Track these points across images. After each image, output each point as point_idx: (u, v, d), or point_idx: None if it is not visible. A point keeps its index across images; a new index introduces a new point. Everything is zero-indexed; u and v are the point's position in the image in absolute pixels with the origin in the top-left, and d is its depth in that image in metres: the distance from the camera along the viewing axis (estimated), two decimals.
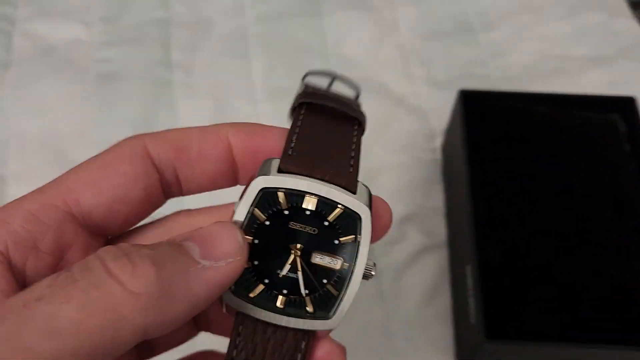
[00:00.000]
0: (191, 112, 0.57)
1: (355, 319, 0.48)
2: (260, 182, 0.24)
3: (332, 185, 0.24)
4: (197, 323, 0.29)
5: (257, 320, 0.25)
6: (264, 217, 0.24)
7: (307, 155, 0.25)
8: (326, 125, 0.26)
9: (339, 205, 0.24)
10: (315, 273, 0.25)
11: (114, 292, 0.19)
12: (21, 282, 0.24)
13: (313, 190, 0.24)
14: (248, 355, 0.24)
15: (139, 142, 0.26)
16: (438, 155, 0.55)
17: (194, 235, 0.23)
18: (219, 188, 0.28)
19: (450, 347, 0.47)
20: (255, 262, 0.24)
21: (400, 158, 0.54)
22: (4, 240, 0.23)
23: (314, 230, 0.25)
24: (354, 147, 0.26)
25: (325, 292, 0.25)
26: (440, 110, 0.56)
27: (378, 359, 0.46)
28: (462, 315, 0.44)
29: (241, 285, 0.24)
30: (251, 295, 0.24)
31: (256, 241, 0.24)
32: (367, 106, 0.56)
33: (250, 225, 0.24)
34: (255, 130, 0.27)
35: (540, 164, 0.45)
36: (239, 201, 0.25)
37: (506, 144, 0.46)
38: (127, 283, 0.20)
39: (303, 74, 0.29)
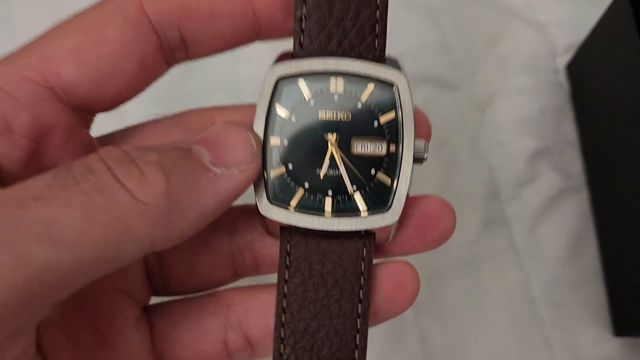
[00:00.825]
0: None
1: (488, 281, 0.38)
2: (275, 72, 0.22)
3: (356, 59, 0.22)
4: (236, 263, 0.25)
5: (306, 232, 0.22)
6: (287, 112, 0.22)
7: (322, 31, 0.22)
8: None
9: (371, 80, 0.22)
10: (359, 164, 0.22)
11: (121, 200, 0.18)
12: None
13: (337, 68, 0.22)
14: (304, 277, 0.22)
15: (131, 0, 0.21)
16: (562, 77, 0.44)
17: (203, 138, 0.21)
18: (235, 47, 0.24)
19: (606, 314, 0.38)
20: (290, 166, 0.22)
21: (520, 80, 0.43)
22: None
23: (347, 116, 0.22)
24: (379, 11, 0.22)
25: (377, 183, 0.22)
26: (561, 23, 0.45)
27: (521, 332, 0.37)
28: (633, 273, 0.35)
29: (279, 194, 0.22)
30: (292, 203, 0.22)
31: (285, 142, 0.22)
32: (473, 19, 0.45)
33: (274, 125, 0.22)
34: None
35: None
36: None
37: None
38: (136, 192, 0.18)
39: None
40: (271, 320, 0.22)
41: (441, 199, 0.23)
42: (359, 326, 0.21)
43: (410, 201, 0.23)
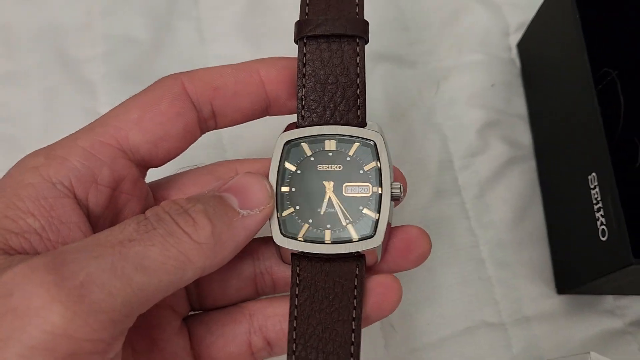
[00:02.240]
0: (218, 4, 0.46)
1: (439, 244, 0.40)
2: (284, 137, 0.29)
3: (344, 125, 0.29)
4: (258, 284, 0.31)
5: (312, 257, 0.28)
6: (294, 167, 0.29)
7: (318, 107, 0.29)
8: (329, 56, 0.29)
9: (356, 140, 0.29)
10: (350, 203, 0.28)
11: (184, 240, 0.24)
12: (85, 212, 0.26)
13: (330, 132, 0.29)
14: (311, 292, 0.27)
15: (176, 82, 0.28)
16: (514, 54, 0.47)
17: (230, 187, 0.27)
18: (251, 120, 0.31)
19: (550, 273, 0.40)
20: (297, 207, 0.28)
21: (474, 57, 0.46)
22: (67, 176, 0.26)
23: (339, 167, 0.28)
24: (358, 79, 0.29)
25: (364, 216, 0.28)
26: (513, 3, 0.48)
27: (471, 290, 0.40)
28: (575, 234, 0.37)
29: (289, 229, 0.28)
30: (300, 235, 0.28)
31: (293, 189, 0.28)
32: None
33: (284, 177, 0.28)
34: (283, 64, 0.29)
35: None
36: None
37: (630, 27, 0.38)
38: (192, 234, 0.24)
39: None
40: (286, 326, 0.29)
41: (419, 228, 0.30)
42: (353, 327, 0.27)
43: (394, 230, 0.29)
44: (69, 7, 0.45)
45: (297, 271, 0.28)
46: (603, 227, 0.34)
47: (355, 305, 0.27)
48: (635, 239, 0.32)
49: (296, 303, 0.27)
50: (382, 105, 0.44)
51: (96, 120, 0.28)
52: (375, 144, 0.28)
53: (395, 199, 0.28)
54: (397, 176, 0.31)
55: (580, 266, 0.37)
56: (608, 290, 0.39)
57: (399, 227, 0.30)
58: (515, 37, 0.47)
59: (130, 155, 0.28)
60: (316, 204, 0.28)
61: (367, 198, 0.28)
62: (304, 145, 0.29)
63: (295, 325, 0.27)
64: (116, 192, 0.28)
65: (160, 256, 0.23)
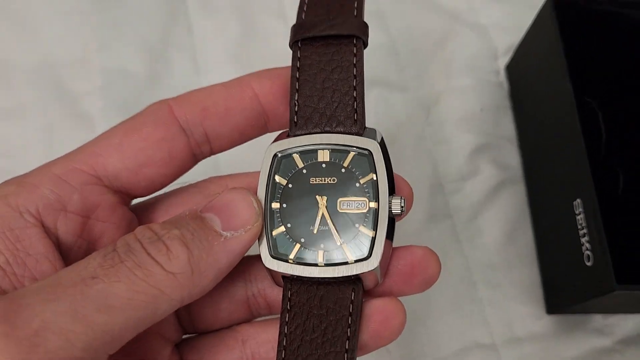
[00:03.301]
0: (212, 33, 0.48)
1: None
2: (272, 149, 0.26)
3: (339, 134, 0.26)
4: (252, 305, 0.29)
5: (304, 280, 0.26)
6: (285, 180, 0.26)
7: (313, 115, 0.26)
8: (325, 60, 0.27)
9: (351, 150, 0.26)
10: (345, 220, 0.25)
11: (155, 272, 0.22)
12: (54, 241, 0.25)
13: (323, 141, 0.26)
14: (303, 320, 0.25)
15: (162, 106, 0.27)
16: (502, 77, 0.48)
17: (213, 206, 0.24)
18: (250, 139, 0.29)
19: (539, 294, 0.41)
20: (289, 225, 0.26)
21: (463, 81, 0.47)
22: (35, 204, 0.25)
23: (333, 180, 0.26)
24: (355, 81, 0.26)
25: (360, 235, 0.25)
26: (501, 25, 0.49)
27: (463, 311, 0.41)
28: (562, 258, 0.38)
29: (280, 250, 0.26)
30: (291, 256, 0.25)
31: (284, 205, 0.26)
32: (419, 23, 0.48)
33: (274, 192, 0.26)
34: (277, 74, 0.28)
35: None
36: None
37: (612, 55, 0.39)
38: (165, 264, 0.22)
39: None
40: None
41: (426, 248, 0.27)
42: None
43: (397, 251, 0.27)
44: (65, 43, 0.46)
45: (289, 295, 0.26)
46: (588, 252, 0.35)
47: (349, 335, 0.25)
48: (619, 264, 0.33)
49: (286, 331, 0.25)
50: None
51: (80, 147, 0.27)
52: (371, 154, 0.26)
53: (395, 215, 0.26)
54: (402, 188, 0.27)
55: (567, 288, 0.38)
56: (596, 310, 0.40)
57: (403, 247, 0.27)
58: (504, 60, 0.48)
59: (106, 181, 0.26)
60: (309, 221, 0.26)
61: (364, 214, 0.25)
62: (296, 157, 0.26)
63: (283, 355, 0.25)
64: (90, 220, 0.26)
65: (127, 292, 0.21)
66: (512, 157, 0.45)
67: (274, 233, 0.26)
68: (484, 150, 0.45)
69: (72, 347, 0.20)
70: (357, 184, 0.26)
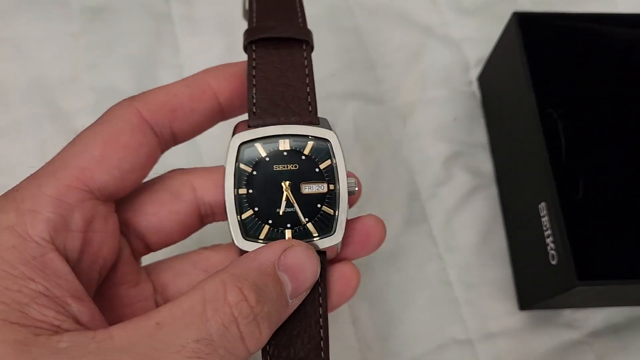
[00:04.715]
0: (198, 51, 0.50)
1: (410, 270, 0.44)
2: (237, 140, 0.28)
3: (296, 125, 0.28)
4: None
5: None
6: (250, 168, 0.28)
7: (270, 106, 0.29)
8: (278, 60, 0.30)
9: (310, 138, 0.28)
10: (308, 201, 0.28)
11: (240, 354, 0.23)
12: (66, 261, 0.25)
13: (283, 132, 0.28)
14: None
15: (132, 111, 0.28)
16: (475, 88, 0.50)
17: (288, 266, 0.26)
18: (207, 129, 0.31)
19: (512, 292, 0.44)
20: (256, 209, 0.28)
21: (437, 92, 0.50)
22: (46, 230, 0.25)
23: (295, 166, 0.28)
24: (307, 79, 0.29)
25: (322, 214, 0.28)
26: (473, 39, 0.52)
27: (440, 310, 0.43)
28: (531, 257, 0.41)
29: (250, 231, 0.28)
30: (261, 237, 0.28)
31: (251, 191, 0.28)
32: (394, 38, 0.51)
33: (241, 179, 0.28)
34: (233, 71, 0.30)
35: (616, 87, 0.41)
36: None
37: (573, 68, 0.42)
38: (252, 348, 0.23)
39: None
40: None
41: (375, 217, 0.31)
42: (321, 323, 0.28)
43: (351, 222, 0.30)
44: (56, 62, 0.48)
45: None
46: (552, 252, 0.37)
47: (320, 302, 0.28)
48: (581, 262, 0.35)
49: None
50: (352, 141, 0.47)
51: (55, 159, 0.27)
52: (330, 142, 0.29)
53: (350, 194, 0.29)
54: (349, 175, 0.30)
55: (537, 286, 0.41)
56: (565, 305, 0.43)
57: (355, 219, 0.31)
58: (476, 71, 0.51)
59: (97, 194, 0.27)
60: (275, 204, 0.28)
61: (324, 195, 0.28)
62: (258, 146, 0.28)
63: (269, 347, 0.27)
64: (89, 233, 0.27)
65: None
66: (485, 164, 0.48)
67: (243, 217, 0.28)
68: (457, 157, 0.47)
69: None
70: (317, 169, 0.28)
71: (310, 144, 0.28)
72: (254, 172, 0.28)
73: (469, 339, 0.42)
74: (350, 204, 0.29)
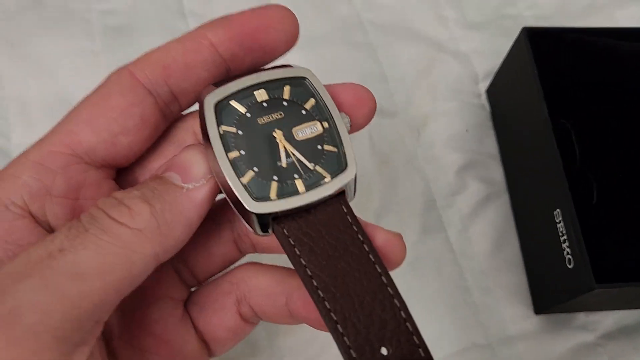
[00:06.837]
0: None
1: (431, 277, 0.45)
2: (209, 100, 0.26)
3: (268, 70, 0.27)
4: (239, 245, 0.30)
5: (293, 213, 0.25)
6: (233, 128, 0.26)
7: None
8: None
9: (285, 81, 0.27)
10: (308, 145, 0.26)
11: (121, 233, 0.22)
12: (47, 229, 0.25)
13: (255, 81, 0.26)
14: (312, 247, 0.25)
15: (123, 72, 0.26)
16: (484, 100, 0.52)
17: (172, 165, 0.25)
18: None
19: (527, 296, 0.45)
20: (255, 169, 0.25)
21: (448, 104, 0.51)
22: (19, 194, 0.24)
23: (280, 115, 0.26)
24: None
25: (327, 154, 0.26)
26: (480, 52, 0.53)
27: (460, 315, 0.44)
28: (546, 262, 0.42)
29: (258, 193, 0.25)
30: (272, 195, 0.25)
31: (242, 152, 0.25)
32: (405, 53, 0.53)
33: (228, 142, 0.25)
34: (229, 21, 0.27)
35: (622, 94, 0.43)
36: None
37: (579, 78, 0.44)
38: (129, 223, 0.23)
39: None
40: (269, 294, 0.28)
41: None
42: (384, 280, 0.25)
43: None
44: (77, 79, 0.49)
45: (285, 233, 0.25)
46: (569, 256, 0.39)
47: (366, 248, 0.25)
48: (597, 265, 0.37)
49: (304, 262, 0.25)
50: (369, 153, 0.49)
51: (53, 128, 0.27)
52: (307, 79, 0.27)
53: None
54: (357, 92, 0.28)
55: (552, 289, 0.42)
56: (579, 308, 0.44)
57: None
58: (485, 84, 0.52)
59: (86, 158, 0.26)
60: (274, 158, 0.26)
61: (322, 135, 0.26)
62: (234, 103, 0.26)
63: (315, 283, 0.24)
64: (79, 200, 0.26)
65: (96, 257, 0.21)
66: (496, 173, 0.49)
67: (244, 180, 0.25)
68: (470, 167, 0.49)
69: (49, 319, 0.20)
70: (304, 111, 0.26)
71: (287, 88, 0.27)
72: (239, 132, 0.26)
73: (489, 343, 0.44)
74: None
